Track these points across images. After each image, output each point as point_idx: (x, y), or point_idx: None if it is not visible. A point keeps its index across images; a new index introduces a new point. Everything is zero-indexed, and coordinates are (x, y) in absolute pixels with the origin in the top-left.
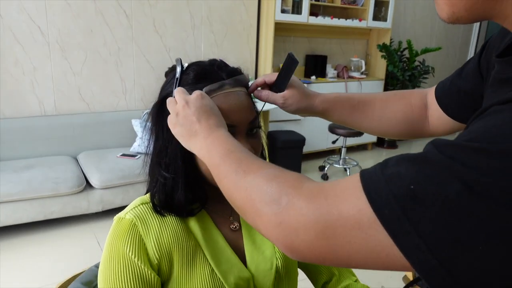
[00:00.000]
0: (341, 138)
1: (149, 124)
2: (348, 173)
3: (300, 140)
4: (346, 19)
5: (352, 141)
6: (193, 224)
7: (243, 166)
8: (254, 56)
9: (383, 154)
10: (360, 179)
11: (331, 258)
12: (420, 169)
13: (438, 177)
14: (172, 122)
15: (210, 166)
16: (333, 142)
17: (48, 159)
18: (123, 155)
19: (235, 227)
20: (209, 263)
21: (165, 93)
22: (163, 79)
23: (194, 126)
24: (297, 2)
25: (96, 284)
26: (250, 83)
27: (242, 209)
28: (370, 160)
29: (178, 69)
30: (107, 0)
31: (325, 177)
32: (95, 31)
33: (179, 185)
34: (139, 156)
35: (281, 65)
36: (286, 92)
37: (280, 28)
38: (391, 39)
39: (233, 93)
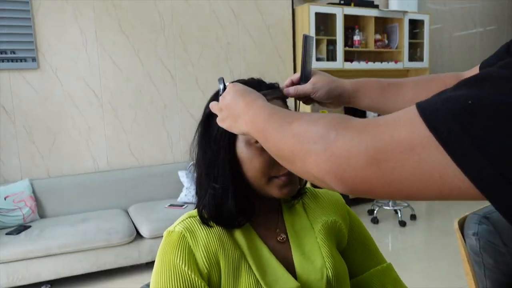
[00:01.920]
0: None
1: (196, 141)
2: (399, 215)
3: None
4: (381, 62)
5: None
6: (239, 235)
7: (287, 119)
8: (293, 106)
9: None
10: (415, 106)
11: (383, 185)
12: (480, 85)
13: (499, 88)
14: (219, 120)
15: (257, 135)
16: None
17: (101, 212)
18: (171, 205)
19: (282, 238)
20: (254, 274)
21: (208, 110)
22: None
23: (235, 111)
24: (331, 50)
25: None
26: None
27: (290, 157)
28: (421, 202)
29: (221, 86)
30: (154, 62)
31: (375, 221)
32: (143, 91)
33: (228, 195)
34: (186, 205)
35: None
36: (313, 79)
37: None
38: None
39: (272, 102)
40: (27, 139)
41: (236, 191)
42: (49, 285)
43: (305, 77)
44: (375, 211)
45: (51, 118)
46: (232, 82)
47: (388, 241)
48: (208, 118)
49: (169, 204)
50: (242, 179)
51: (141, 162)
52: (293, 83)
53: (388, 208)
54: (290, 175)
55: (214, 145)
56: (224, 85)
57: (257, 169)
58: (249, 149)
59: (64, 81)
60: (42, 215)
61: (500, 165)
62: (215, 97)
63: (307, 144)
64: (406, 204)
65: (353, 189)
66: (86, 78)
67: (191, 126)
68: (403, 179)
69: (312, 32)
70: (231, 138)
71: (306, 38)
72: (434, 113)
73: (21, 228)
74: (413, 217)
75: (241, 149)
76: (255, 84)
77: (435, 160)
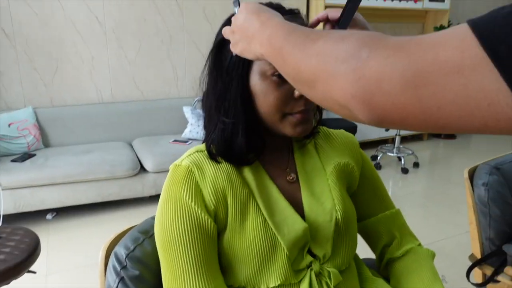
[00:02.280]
0: None
1: (206, 71)
2: (402, 162)
3: (351, 128)
4: (400, 1)
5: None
6: (247, 173)
7: (311, 36)
8: None
9: (440, 145)
10: (466, 24)
11: (418, 113)
12: None
13: None
14: (232, 44)
15: (274, 56)
16: (387, 130)
17: (105, 144)
18: (175, 141)
19: (292, 178)
20: (262, 213)
21: (220, 37)
22: None
23: (249, 31)
24: None
25: (153, 233)
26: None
27: (311, 79)
28: (426, 150)
29: (236, 9)
30: None
31: (378, 166)
32: (148, 19)
33: (239, 130)
34: (190, 142)
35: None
36: (352, 25)
37: None
38: (449, 22)
39: None
40: (29, 66)
41: (247, 127)
42: (55, 213)
43: (343, 25)
44: (378, 157)
45: (52, 44)
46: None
47: (389, 187)
48: (220, 45)
49: (173, 139)
50: (254, 114)
51: (145, 95)
52: (328, 20)
53: (391, 154)
54: (305, 113)
55: (226, 75)
56: (239, 6)
57: (271, 104)
58: (265, 81)
59: (65, 5)
60: (46, 144)
61: None
62: (229, 21)
63: (333, 63)
64: (410, 152)
65: (382, 118)
66: (88, 2)
67: (197, 61)
68: (443, 106)
69: None
70: (245, 68)
71: None
72: (491, 30)
73: (26, 156)
74: (416, 164)
75: (255, 82)
76: (274, 8)
77: (485, 85)
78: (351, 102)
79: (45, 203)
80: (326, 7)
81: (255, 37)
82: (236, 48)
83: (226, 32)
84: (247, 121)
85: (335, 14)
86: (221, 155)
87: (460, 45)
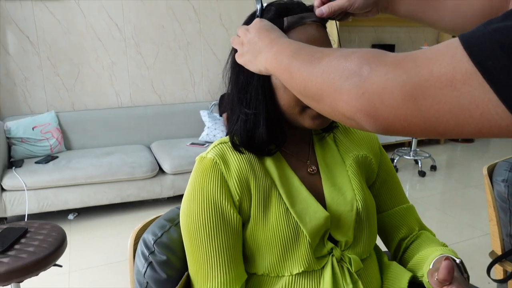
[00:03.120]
0: None
1: (229, 65)
2: (419, 165)
3: None
4: None
5: None
6: (270, 163)
7: (316, 55)
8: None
9: (458, 149)
10: (458, 39)
11: (418, 123)
12: None
13: None
14: (238, 54)
15: (280, 72)
16: None
17: (124, 147)
18: (192, 143)
19: (313, 170)
20: (284, 202)
21: None
22: None
23: (257, 46)
24: None
25: (178, 221)
26: None
27: (318, 95)
28: (443, 154)
29: (258, 7)
30: None
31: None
32: (166, 26)
33: (260, 121)
34: (207, 144)
35: None
36: None
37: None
38: None
39: (312, 26)
40: (52, 71)
41: (268, 118)
42: (76, 213)
43: None
44: (395, 160)
45: (74, 51)
46: (270, 2)
47: (406, 190)
48: None
49: (190, 142)
50: (275, 106)
51: (163, 99)
52: (323, 3)
53: (408, 157)
54: None
55: (248, 69)
56: (262, 5)
57: (291, 97)
58: None
59: (86, 13)
60: (68, 147)
61: None
62: (251, 18)
63: (338, 80)
64: (427, 155)
65: (386, 128)
66: (109, 10)
67: (214, 65)
68: (440, 116)
69: None
70: None
71: None
72: (480, 45)
73: (49, 158)
74: (433, 168)
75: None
76: (295, 5)
77: (476, 96)
78: (356, 114)
79: (67, 204)
80: None
81: (263, 52)
82: (241, 59)
83: (235, 42)
84: (268, 113)
85: None
86: (244, 145)
87: (452, 60)
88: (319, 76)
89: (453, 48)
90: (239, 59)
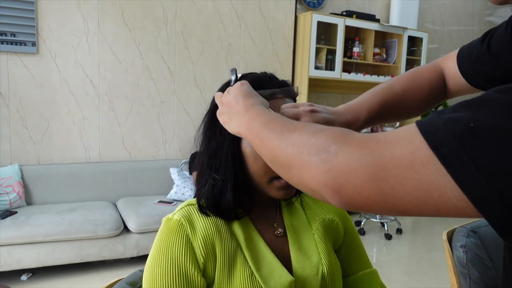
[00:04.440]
0: None
1: (201, 130)
2: (386, 228)
3: None
4: (378, 76)
5: None
6: (236, 226)
7: (288, 127)
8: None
9: None
10: (415, 125)
11: (381, 201)
12: (479, 109)
13: (498, 112)
14: (218, 113)
15: (251, 138)
16: None
17: (89, 204)
18: (160, 201)
19: (280, 233)
20: (249, 266)
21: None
22: None
23: (234, 108)
24: (330, 59)
25: (141, 285)
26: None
27: (287, 165)
28: (408, 217)
29: (233, 78)
30: (154, 56)
31: (361, 232)
32: (141, 84)
33: (228, 188)
34: (175, 203)
35: None
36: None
37: (314, 84)
38: None
39: (283, 101)
40: (20, 124)
41: (236, 185)
42: (30, 274)
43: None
44: (362, 223)
45: (45, 104)
46: (244, 74)
47: (373, 253)
48: (216, 108)
49: (158, 200)
50: (244, 173)
51: (133, 156)
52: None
53: (375, 220)
54: None
55: (220, 136)
56: (236, 76)
57: (260, 167)
58: None
59: (62, 68)
60: (29, 202)
61: (499, 187)
62: (225, 87)
63: (306, 155)
64: (393, 218)
65: (350, 204)
66: (85, 67)
67: (186, 124)
68: (402, 197)
69: (313, 41)
70: None
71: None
72: (435, 132)
73: (6, 213)
74: (399, 231)
75: (247, 144)
76: (267, 79)
77: (434, 179)
78: (323, 189)
79: (22, 263)
80: (309, 79)
81: (236, 117)
82: (220, 118)
83: (217, 99)
84: (236, 180)
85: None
86: (211, 209)
87: (411, 145)
88: (289, 148)
89: (411, 132)
90: (219, 117)
